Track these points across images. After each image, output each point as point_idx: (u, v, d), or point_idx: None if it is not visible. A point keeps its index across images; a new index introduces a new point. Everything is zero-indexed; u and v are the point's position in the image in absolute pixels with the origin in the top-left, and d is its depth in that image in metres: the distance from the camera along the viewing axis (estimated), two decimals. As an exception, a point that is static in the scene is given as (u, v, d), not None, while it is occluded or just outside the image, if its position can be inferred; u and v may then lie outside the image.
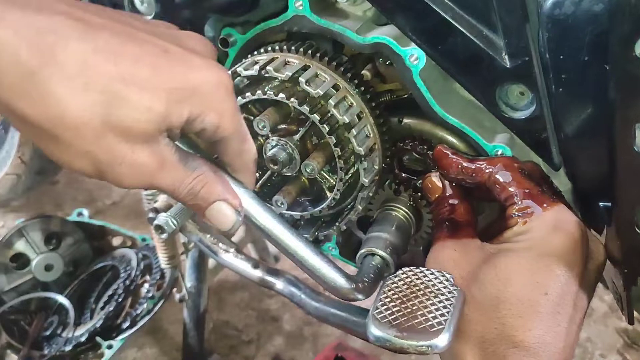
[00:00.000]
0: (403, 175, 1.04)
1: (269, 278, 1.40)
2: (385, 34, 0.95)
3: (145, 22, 0.72)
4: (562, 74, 0.72)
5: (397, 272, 0.84)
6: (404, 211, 1.04)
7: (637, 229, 0.67)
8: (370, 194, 1.02)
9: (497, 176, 0.87)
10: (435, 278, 0.81)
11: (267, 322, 2.01)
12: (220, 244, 1.45)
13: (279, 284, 1.38)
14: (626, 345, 2.05)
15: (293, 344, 1.99)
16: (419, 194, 1.04)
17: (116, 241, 1.97)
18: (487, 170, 0.89)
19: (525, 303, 0.75)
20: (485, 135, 0.97)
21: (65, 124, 0.60)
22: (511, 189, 0.85)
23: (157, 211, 1.41)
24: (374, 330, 0.75)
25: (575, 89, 0.72)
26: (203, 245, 1.45)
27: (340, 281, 0.87)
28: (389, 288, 0.80)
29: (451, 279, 0.81)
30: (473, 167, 0.91)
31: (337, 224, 1.04)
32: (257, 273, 1.41)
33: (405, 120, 1.04)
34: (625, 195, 0.68)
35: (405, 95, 1.05)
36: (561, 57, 0.71)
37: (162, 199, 1.44)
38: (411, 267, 0.84)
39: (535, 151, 0.87)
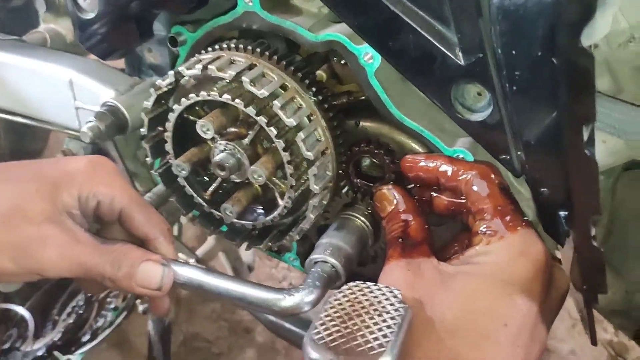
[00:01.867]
0: (359, 182, 0.98)
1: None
2: (339, 32, 0.89)
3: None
4: (516, 71, 0.66)
5: (342, 288, 0.77)
6: (361, 220, 0.97)
7: (592, 241, 0.61)
8: (324, 202, 0.95)
9: (473, 185, 0.80)
10: (382, 294, 0.75)
11: (239, 334, 1.94)
12: (180, 254, 1.38)
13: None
14: (611, 358, 1.98)
15: (265, 357, 1.92)
16: (377, 202, 0.98)
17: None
18: (463, 176, 0.82)
19: (483, 333, 0.69)
20: (446, 139, 0.91)
21: None
22: (484, 204, 0.78)
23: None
24: (310, 353, 0.68)
25: (530, 88, 0.66)
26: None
27: (277, 300, 0.80)
28: (331, 305, 0.74)
29: (399, 295, 0.74)
30: (451, 169, 0.83)
31: (290, 233, 0.97)
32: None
33: (362, 124, 0.98)
34: (580, 203, 0.62)
35: (364, 97, 0.99)
36: (513, 52, 0.65)
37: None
38: (357, 282, 0.77)
39: (494, 156, 0.81)
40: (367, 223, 0.98)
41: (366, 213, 0.98)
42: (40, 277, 0.77)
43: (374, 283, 0.77)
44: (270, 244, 1.01)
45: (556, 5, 0.54)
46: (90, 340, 1.60)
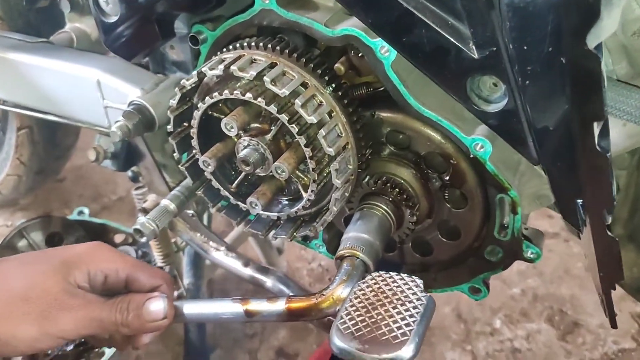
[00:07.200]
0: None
1: (259, 276, 1.38)
2: (355, 26, 0.91)
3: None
4: (527, 65, 0.67)
5: (366, 278, 0.80)
6: (383, 209, 1.00)
7: (607, 231, 0.63)
8: (347, 194, 0.98)
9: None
10: (405, 284, 0.78)
11: (271, 315, 1.98)
12: (210, 242, 1.43)
13: (269, 282, 1.37)
14: (641, 331, 1.99)
15: (297, 336, 1.96)
16: (399, 190, 1.00)
17: (118, 238, 1.94)
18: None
19: None
20: (465, 128, 0.93)
21: None
22: None
23: (145, 211, 1.39)
24: (336, 342, 0.72)
25: (541, 82, 0.67)
26: (194, 243, 1.44)
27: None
28: (355, 296, 0.77)
29: (421, 285, 0.77)
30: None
31: (314, 224, 1.01)
32: (248, 271, 1.39)
33: (378, 114, 1.00)
34: (592, 195, 0.63)
35: (382, 88, 1.01)
36: (525, 47, 0.66)
37: (151, 199, 1.43)
38: (381, 272, 0.80)
39: (511, 145, 0.83)
40: (389, 211, 1.00)
41: (388, 201, 1.01)
42: (63, 341, 0.87)
43: (396, 273, 0.80)
44: (295, 234, 1.04)
45: (559, 9, 0.55)
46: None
